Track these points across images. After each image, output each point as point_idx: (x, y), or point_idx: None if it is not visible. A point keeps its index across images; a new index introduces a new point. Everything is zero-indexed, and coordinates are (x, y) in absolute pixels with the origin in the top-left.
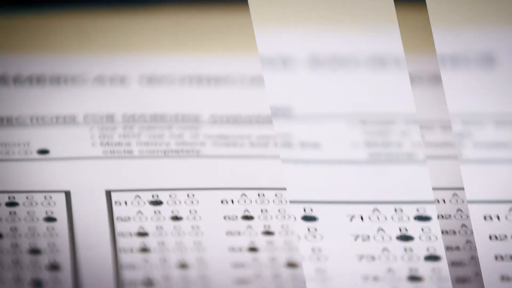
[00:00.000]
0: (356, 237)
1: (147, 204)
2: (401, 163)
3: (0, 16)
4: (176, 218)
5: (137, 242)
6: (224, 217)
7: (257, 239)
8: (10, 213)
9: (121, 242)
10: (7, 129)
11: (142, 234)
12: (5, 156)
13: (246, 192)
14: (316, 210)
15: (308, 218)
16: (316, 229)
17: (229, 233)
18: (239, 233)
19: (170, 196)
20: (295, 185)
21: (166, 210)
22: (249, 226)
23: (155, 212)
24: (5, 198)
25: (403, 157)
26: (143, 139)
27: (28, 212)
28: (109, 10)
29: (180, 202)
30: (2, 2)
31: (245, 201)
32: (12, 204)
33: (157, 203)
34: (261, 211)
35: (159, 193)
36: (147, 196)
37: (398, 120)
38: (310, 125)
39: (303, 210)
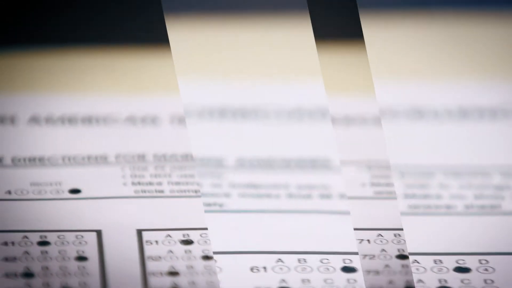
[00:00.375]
0: None
1: (178, 244)
2: (439, 215)
3: (30, 55)
4: (207, 257)
5: (168, 281)
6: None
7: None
8: (41, 252)
9: (152, 281)
10: (39, 168)
11: (173, 273)
12: (37, 195)
13: None
14: (355, 262)
15: (347, 269)
16: (355, 280)
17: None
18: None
19: (201, 235)
20: (334, 236)
21: (197, 250)
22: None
23: (186, 251)
24: (37, 237)
25: (442, 210)
26: (174, 178)
27: (59, 251)
28: (140, 50)
29: (210, 242)
30: (30, 41)
31: None
32: (44, 243)
33: (188, 242)
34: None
35: (190, 232)
36: (178, 236)
37: (437, 172)
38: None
39: (342, 261)
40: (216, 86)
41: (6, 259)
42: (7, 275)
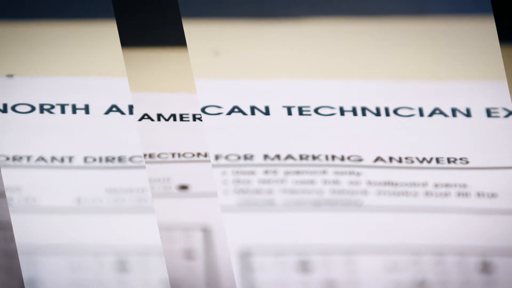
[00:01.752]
0: None
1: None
2: None
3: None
4: None
5: None
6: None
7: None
8: None
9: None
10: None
11: None
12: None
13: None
14: (493, 261)
15: (484, 269)
16: (492, 281)
17: None
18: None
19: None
20: (471, 236)
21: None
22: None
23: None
24: None
25: None
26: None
27: (167, 249)
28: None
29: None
30: None
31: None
32: None
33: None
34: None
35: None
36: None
37: None
38: (487, 176)
39: (479, 261)
40: None
41: None
42: None
